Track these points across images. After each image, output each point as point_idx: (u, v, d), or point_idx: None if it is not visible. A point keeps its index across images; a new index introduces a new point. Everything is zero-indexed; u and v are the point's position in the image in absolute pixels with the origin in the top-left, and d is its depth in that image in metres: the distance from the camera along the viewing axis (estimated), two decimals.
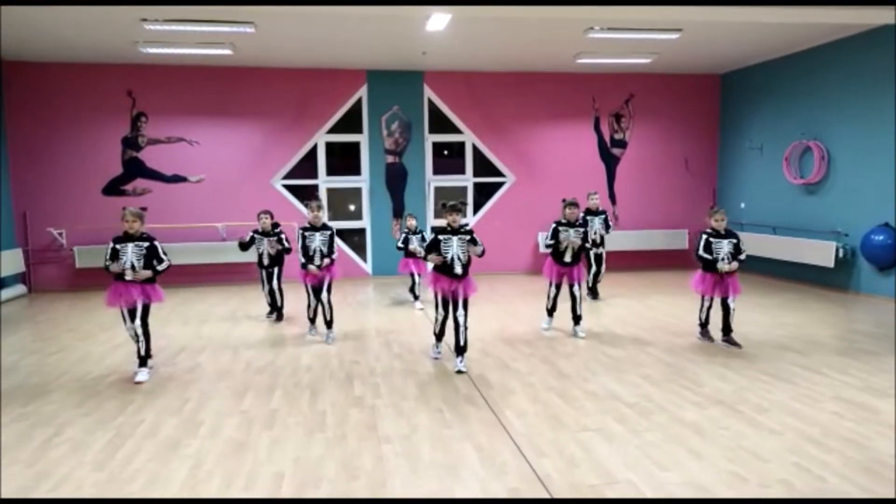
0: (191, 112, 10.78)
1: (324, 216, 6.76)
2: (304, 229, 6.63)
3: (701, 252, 6.34)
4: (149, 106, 10.66)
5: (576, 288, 6.81)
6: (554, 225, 6.81)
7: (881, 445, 3.90)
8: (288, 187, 11.22)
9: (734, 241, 6.29)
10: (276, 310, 7.94)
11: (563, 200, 6.85)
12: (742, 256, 6.29)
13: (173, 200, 10.84)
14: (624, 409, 4.59)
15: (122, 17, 7.82)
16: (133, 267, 5.39)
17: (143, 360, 5.59)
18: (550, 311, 7.10)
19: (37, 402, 4.92)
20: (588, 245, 8.15)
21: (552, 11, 6.58)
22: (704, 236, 6.34)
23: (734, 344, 6.35)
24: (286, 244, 7.70)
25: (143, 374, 5.52)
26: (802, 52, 10.06)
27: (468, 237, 5.62)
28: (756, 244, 10.97)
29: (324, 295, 6.69)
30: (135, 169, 10.76)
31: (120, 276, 5.44)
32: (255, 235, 7.79)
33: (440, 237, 5.62)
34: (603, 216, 9.02)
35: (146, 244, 5.49)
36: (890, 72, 8.52)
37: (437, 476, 3.57)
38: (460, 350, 5.64)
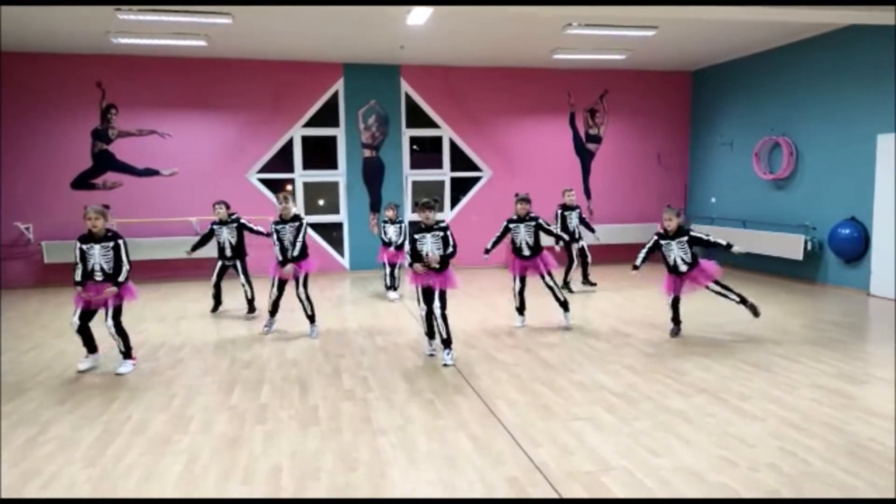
0: (163, 104, 10.57)
1: (293, 207, 6.74)
2: (276, 223, 6.64)
3: (643, 251, 6.54)
4: (119, 98, 10.42)
5: (547, 279, 6.79)
6: (505, 222, 6.86)
7: (860, 430, 4.05)
8: (263, 181, 11.10)
9: (683, 239, 6.31)
10: (219, 304, 8.06)
11: (516, 195, 6.91)
12: (713, 240, 6.41)
13: (146, 194, 10.63)
14: (612, 398, 4.68)
15: (94, 7, 7.63)
16: (102, 269, 5.29)
17: (126, 354, 5.55)
18: (520, 310, 7.05)
19: (16, 400, 4.81)
20: (566, 238, 8.38)
21: (534, 10, 6.62)
22: (654, 238, 6.49)
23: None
24: (255, 228, 7.82)
25: (125, 367, 5.48)
26: (772, 50, 10.31)
27: (441, 234, 5.66)
28: (726, 237, 11.08)
29: (300, 290, 6.64)
30: (105, 162, 10.51)
31: (87, 276, 5.31)
32: (214, 227, 7.77)
33: (416, 236, 5.69)
34: (577, 210, 9.27)
35: (111, 244, 5.34)
36: (856, 70, 8.80)
37: (435, 467, 3.59)
38: (445, 343, 5.67)
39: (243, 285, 7.81)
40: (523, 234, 6.78)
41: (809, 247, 9.49)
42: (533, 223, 6.80)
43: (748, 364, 5.54)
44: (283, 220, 6.63)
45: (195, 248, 7.80)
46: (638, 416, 4.33)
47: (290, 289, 6.83)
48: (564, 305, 6.90)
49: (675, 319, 6.67)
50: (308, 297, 6.71)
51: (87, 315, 5.44)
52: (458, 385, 5.03)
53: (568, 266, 9.15)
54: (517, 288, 6.98)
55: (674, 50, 10.57)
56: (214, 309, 8.07)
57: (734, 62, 11.26)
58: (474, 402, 4.65)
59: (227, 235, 7.72)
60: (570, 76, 11.89)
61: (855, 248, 8.80)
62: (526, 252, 6.81)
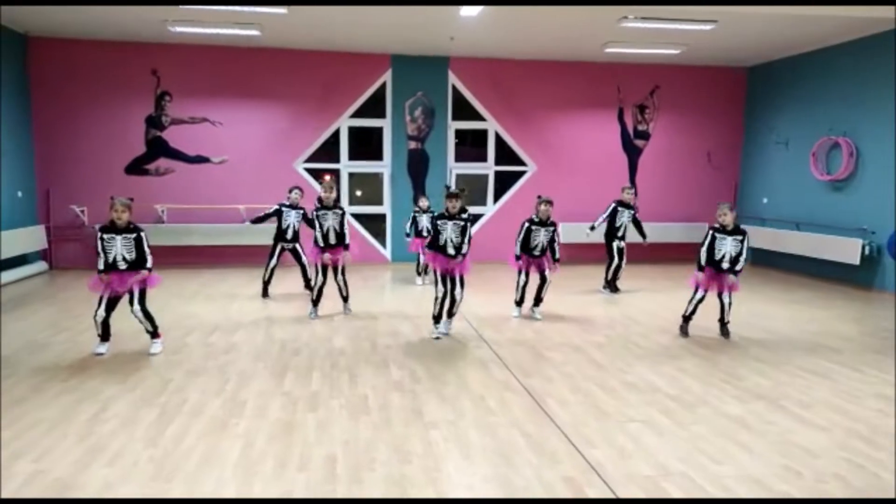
0: (214, 93, 10.74)
1: (335, 195, 7.06)
2: (318, 209, 6.96)
3: (703, 249, 6.34)
4: (173, 85, 10.61)
5: (547, 273, 7.10)
6: (527, 224, 6.93)
7: None
8: (310, 171, 11.20)
9: (739, 237, 6.16)
10: (267, 291, 8.34)
11: (539, 197, 6.96)
12: (739, 266, 6.19)
13: (196, 181, 10.82)
14: (666, 401, 4.58)
15: None
16: (124, 258, 5.39)
17: (154, 334, 5.71)
18: (519, 303, 7.29)
19: (79, 376, 4.94)
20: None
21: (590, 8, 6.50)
22: (710, 232, 6.31)
23: (726, 335, 6.45)
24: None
25: (156, 346, 5.68)
26: (831, 48, 9.96)
27: (462, 223, 6.08)
28: (777, 240, 10.96)
29: (339, 277, 7.10)
30: (158, 148, 10.73)
31: (111, 266, 5.39)
32: (283, 209, 8.18)
33: (438, 222, 6.15)
34: (632, 211, 8.96)
35: (133, 235, 5.43)
36: None
37: (489, 462, 3.57)
38: (450, 314, 6.28)
39: (305, 265, 8.32)
40: (542, 238, 7.00)
41: (867, 251, 9.17)
42: (552, 229, 7.03)
43: (806, 371, 5.37)
44: (325, 207, 6.94)
45: (258, 220, 8.44)
46: (695, 420, 4.23)
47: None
48: (538, 301, 7.22)
49: (690, 318, 6.55)
50: (345, 282, 7.19)
51: (111, 306, 5.52)
52: (507, 381, 4.99)
53: (608, 264, 8.88)
54: (522, 282, 7.19)
55: (730, 45, 10.29)
56: (265, 293, 8.29)
57: (791, 59, 10.91)
58: (525, 399, 4.61)
59: (293, 220, 8.19)
60: (620, 70, 11.68)
61: None
62: (537, 253, 7.07)
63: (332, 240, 6.91)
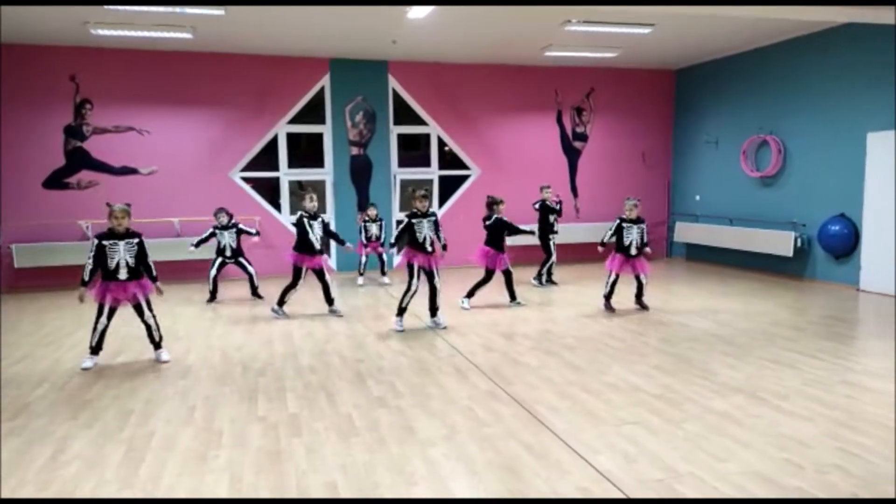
0: (142, 100, 10.11)
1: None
2: (307, 217, 7.37)
3: (609, 232, 7.64)
4: (94, 92, 9.91)
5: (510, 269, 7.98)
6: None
7: None
8: (247, 180, 10.74)
9: (642, 226, 7.56)
10: (215, 295, 8.63)
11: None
12: (647, 248, 7.59)
13: (123, 194, 10.03)
14: (652, 401, 4.60)
15: None
16: (127, 264, 5.33)
17: (158, 344, 5.78)
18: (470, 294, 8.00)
19: (23, 415, 4.45)
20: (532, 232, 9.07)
21: (538, 8, 6.50)
22: (619, 222, 7.54)
23: (644, 307, 7.64)
24: (251, 229, 8.80)
25: (165, 354, 5.76)
26: (757, 49, 10.46)
27: (434, 219, 6.79)
28: (712, 235, 11.41)
29: (327, 278, 7.52)
30: (79, 160, 9.99)
31: (110, 276, 5.31)
32: (216, 231, 8.57)
33: (414, 221, 6.68)
34: (558, 208, 9.64)
35: (136, 240, 5.44)
36: (845, 68, 8.98)
37: (498, 478, 3.44)
38: (436, 310, 6.85)
39: (252, 274, 8.68)
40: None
41: (799, 243, 9.65)
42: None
43: (771, 361, 5.54)
44: (312, 216, 7.42)
45: (200, 243, 8.55)
46: (685, 418, 4.25)
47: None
48: (513, 296, 8.06)
49: (610, 296, 7.62)
50: (329, 284, 7.58)
51: (112, 314, 5.55)
52: (491, 391, 4.88)
53: (545, 260, 9.55)
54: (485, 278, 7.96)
55: (661, 49, 10.63)
56: (211, 299, 8.56)
57: (717, 61, 11.39)
58: (514, 408, 4.50)
59: (228, 240, 8.59)
60: (558, 74, 11.85)
61: (845, 244, 8.98)
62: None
63: (318, 246, 7.40)
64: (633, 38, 9.72)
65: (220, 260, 8.60)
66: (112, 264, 5.36)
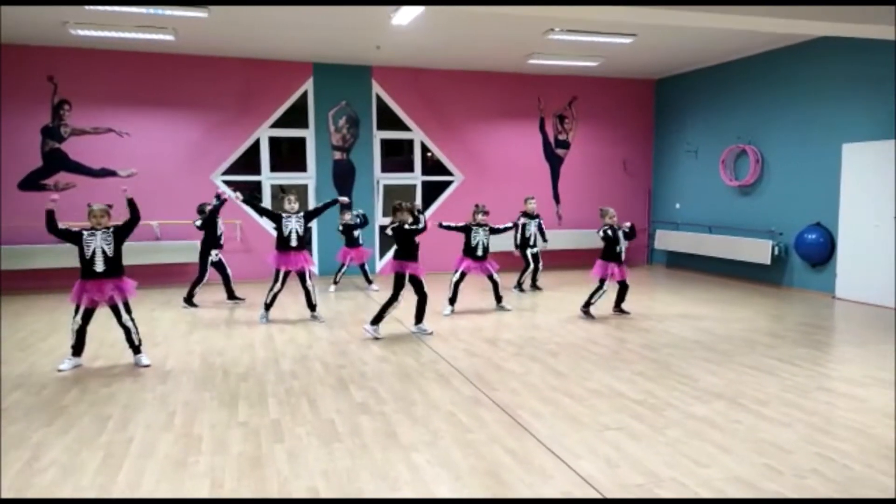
0: (121, 101, 10.00)
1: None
2: (285, 216, 7.38)
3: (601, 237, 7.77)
4: (73, 93, 9.79)
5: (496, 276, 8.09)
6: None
7: (883, 433, 4.13)
8: (229, 183, 10.64)
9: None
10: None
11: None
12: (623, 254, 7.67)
13: (101, 196, 9.63)
14: (634, 406, 4.63)
15: None
16: (104, 252, 5.38)
17: (137, 349, 5.72)
18: (452, 300, 7.93)
19: None
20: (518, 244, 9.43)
21: (528, 10, 6.51)
22: (607, 230, 7.60)
23: (624, 312, 7.80)
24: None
25: (145, 358, 5.70)
26: (737, 61, 10.63)
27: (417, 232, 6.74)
28: (692, 242, 11.54)
29: (307, 283, 7.44)
30: (57, 161, 9.85)
31: (87, 270, 5.33)
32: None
33: (402, 233, 6.68)
34: (538, 219, 9.63)
35: (111, 229, 5.53)
36: (822, 81, 9.16)
37: (481, 483, 3.43)
38: (422, 315, 6.83)
39: (228, 276, 8.62)
40: (481, 237, 8.00)
41: (776, 251, 9.80)
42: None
43: (750, 368, 5.61)
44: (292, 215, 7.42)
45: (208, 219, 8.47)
46: (667, 424, 4.28)
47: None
48: (500, 300, 8.17)
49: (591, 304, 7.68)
50: (313, 288, 7.57)
51: (88, 316, 5.53)
52: (475, 396, 4.88)
53: (524, 269, 9.59)
54: (456, 279, 7.98)
55: (643, 58, 10.76)
56: (190, 302, 8.52)
57: (697, 72, 11.56)
58: (497, 413, 4.51)
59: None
60: (541, 82, 11.94)
61: (821, 252, 9.14)
62: (479, 253, 7.99)
63: (294, 242, 7.30)
64: (616, 48, 9.82)
65: (213, 255, 8.40)
66: (88, 253, 5.36)
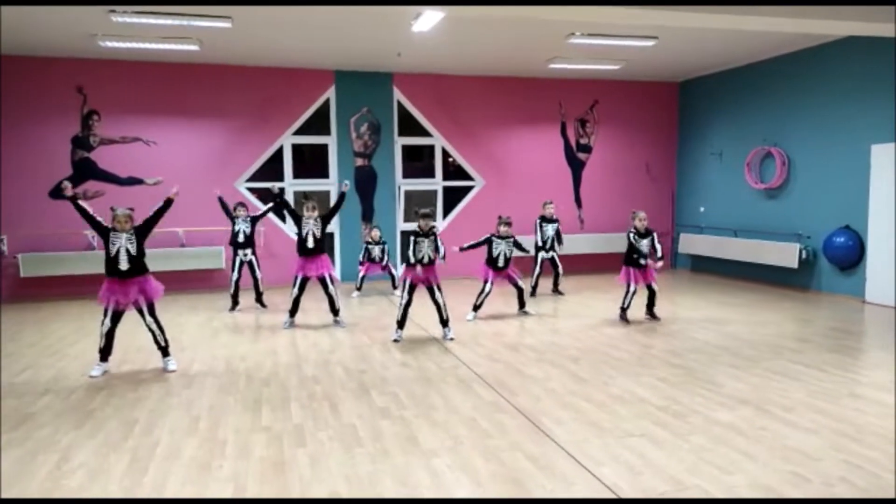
0: (148, 111, 10.18)
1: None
2: (304, 218, 7.55)
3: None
4: (102, 104, 9.99)
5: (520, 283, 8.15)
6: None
7: None
8: (252, 190, 10.78)
9: (651, 237, 7.58)
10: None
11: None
12: (658, 255, 7.59)
13: (129, 204, 9.90)
14: (657, 412, 4.58)
15: (85, 8, 7.28)
16: (127, 251, 5.50)
17: (165, 351, 5.83)
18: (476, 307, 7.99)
19: (26, 425, 4.46)
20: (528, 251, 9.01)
21: (550, 10, 6.47)
22: (630, 235, 7.57)
23: (656, 318, 7.71)
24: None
25: (172, 363, 5.81)
26: (762, 62, 10.49)
27: (434, 238, 6.90)
28: (717, 246, 11.39)
29: (330, 289, 7.50)
30: (86, 170, 10.06)
31: (114, 271, 5.44)
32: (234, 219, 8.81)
33: (417, 239, 6.83)
34: (556, 224, 9.64)
35: (134, 231, 5.66)
36: (849, 81, 9.00)
37: (503, 490, 3.43)
38: (446, 322, 6.87)
39: (258, 280, 8.80)
40: (503, 248, 8.01)
41: (804, 255, 9.63)
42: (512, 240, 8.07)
43: (776, 374, 5.52)
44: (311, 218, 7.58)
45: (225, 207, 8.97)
46: (691, 430, 4.23)
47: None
48: (523, 305, 8.24)
49: (627, 308, 7.66)
50: (336, 293, 7.65)
51: (117, 318, 5.61)
52: (495, 402, 4.87)
53: (533, 272, 9.63)
54: (487, 291, 8.00)
55: (666, 61, 10.67)
56: (234, 307, 8.71)
57: (721, 74, 11.43)
58: (519, 419, 4.49)
59: (242, 226, 8.75)
60: (562, 86, 11.90)
61: (850, 255, 8.96)
62: (501, 264, 8.00)
63: (311, 244, 7.46)
64: (637, 51, 9.76)
65: (238, 261, 8.64)
66: (113, 251, 5.48)
